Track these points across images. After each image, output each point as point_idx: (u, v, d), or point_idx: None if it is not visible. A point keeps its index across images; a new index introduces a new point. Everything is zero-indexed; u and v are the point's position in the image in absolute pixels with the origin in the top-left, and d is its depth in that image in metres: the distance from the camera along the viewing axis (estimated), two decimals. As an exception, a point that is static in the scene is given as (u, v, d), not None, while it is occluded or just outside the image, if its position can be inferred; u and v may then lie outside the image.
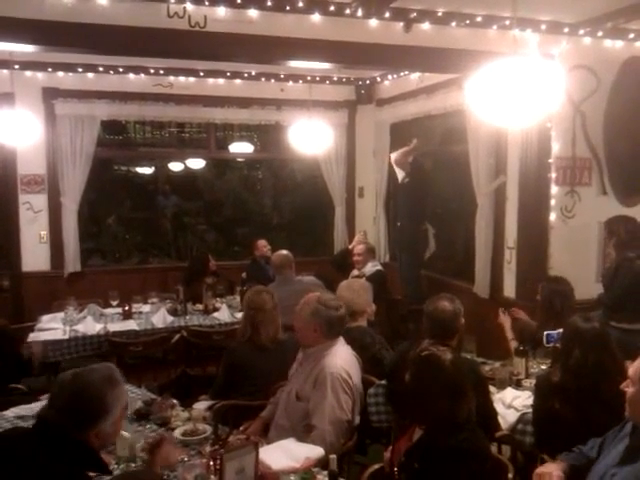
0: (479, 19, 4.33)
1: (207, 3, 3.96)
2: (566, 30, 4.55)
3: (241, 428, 3.20)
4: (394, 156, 6.40)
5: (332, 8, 4.07)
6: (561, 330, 3.33)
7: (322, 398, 3.01)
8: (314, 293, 3.45)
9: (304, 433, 3.00)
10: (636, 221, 4.31)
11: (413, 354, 2.54)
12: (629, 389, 2.18)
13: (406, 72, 6.43)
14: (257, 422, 3.35)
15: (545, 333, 3.58)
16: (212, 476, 2.33)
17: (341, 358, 3.16)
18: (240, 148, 8.55)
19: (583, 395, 2.72)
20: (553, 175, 4.92)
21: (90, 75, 6.35)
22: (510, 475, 2.59)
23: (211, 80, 6.76)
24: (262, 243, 6.61)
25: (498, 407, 3.25)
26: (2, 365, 4.26)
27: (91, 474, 2.09)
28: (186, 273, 6.29)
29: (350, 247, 6.61)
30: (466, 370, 3.00)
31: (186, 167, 9.00)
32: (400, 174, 6.40)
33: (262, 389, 3.68)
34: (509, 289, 5.27)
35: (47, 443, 1.94)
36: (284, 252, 5.59)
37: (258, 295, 3.90)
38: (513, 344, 4.00)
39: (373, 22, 4.30)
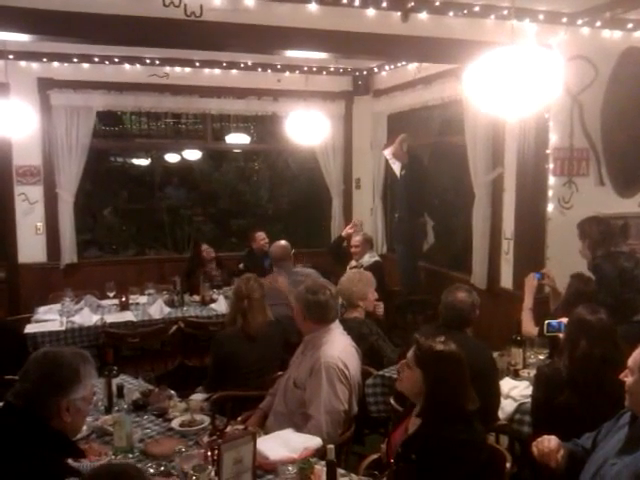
0: (477, 9, 4.30)
1: (203, -8, 3.94)
2: (564, 20, 4.53)
3: (239, 419, 3.21)
4: (389, 150, 6.38)
5: (329, -3, 4.04)
6: (563, 320, 3.33)
7: (318, 388, 3.02)
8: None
9: (301, 421, 3.01)
10: (607, 221, 4.30)
11: (425, 348, 2.49)
12: (628, 379, 2.18)
13: (403, 62, 6.40)
14: (256, 413, 3.36)
15: (546, 322, 3.57)
16: (210, 467, 2.33)
17: (338, 348, 3.16)
18: (236, 139, 8.51)
19: (589, 386, 2.72)
20: (551, 166, 4.91)
21: (85, 65, 6.30)
22: (508, 465, 2.60)
23: (207, 70, 6.72)
24: (260, 236, 6.56)
25: (496, 397, 3.26)
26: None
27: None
28: (187, 265, 6.36)
29: (343, 234, 6.57)
30: (479, 356, 3.04)
31: (182, 158, 8.98)
32: (397, 168, 6.38)
33: (250, 378, 3.72)
34: (506, 280, 5.28)
35: (15, 427, 1.95)
36: (283, 243, 5.54)
37: (247, 283, 3.95)
38: (526, 315, 3.99)
39: (370, 11, 4.27)
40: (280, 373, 3.55)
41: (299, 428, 2.92)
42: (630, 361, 2.20)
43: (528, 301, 4.13)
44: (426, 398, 2.43)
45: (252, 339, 3.82)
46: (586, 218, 4.32)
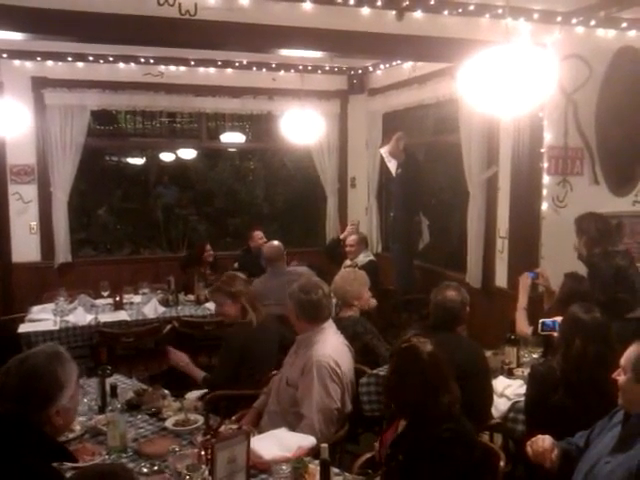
0: (471, 8, 4.30)
1: (197, -10, 3.93)
2: (559, 19, 4.54)
3: (233, 418, 3.20)
4: (386, 149, 6.38)
5: (324, -5, 4.04)
6: (557, 319, 3.34)
7: (310, 386, 3.01)
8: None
9: (294, 420, 3.01)
10: (605, 218, 4.29)
11: (395, 345, 2.52)
12: (620, 377, 2.19)
13: (398, 61, 6.41)
14: (250, 413, 3.35)
15: (541, 321, 3.58)
16: (203, 466, 2.32)
17: (330, 347, 3.16)
18: (232, 138, 8.50)
19: (583, 385, 2.73)
20: (545, 165, 4.92)
21: (80, 64, 6.29)
22: (502, 463, 2.60)
23: (202, 69, 6.70)
24: (258, 235, 6.60)
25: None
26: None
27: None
28: (184, 259, 6.48)
29: (341, 237, 6.60)
30: (471, 355, 3.02)
31: (177, 157, 8.96)
32: (393, 166, 6.38)
33: (265, 372, 3.67)
34: (501, 279, 5.28)
35: (7, 434, 1.88)
36: (276, 243, 5.57)
37: (243, 279, 4.02)
38: (520, 315, 3.99)
39: (365, 10, 4.27)
40: (274, 372, 3.54)
41: (293, 427, 2.92)
42: (623, 360, 2.21)
43: (522, 300, 4.13)
44: (391, 394, 2.46)
45: (264, 328, 3.83)
46: (584, 214, 4.30)
